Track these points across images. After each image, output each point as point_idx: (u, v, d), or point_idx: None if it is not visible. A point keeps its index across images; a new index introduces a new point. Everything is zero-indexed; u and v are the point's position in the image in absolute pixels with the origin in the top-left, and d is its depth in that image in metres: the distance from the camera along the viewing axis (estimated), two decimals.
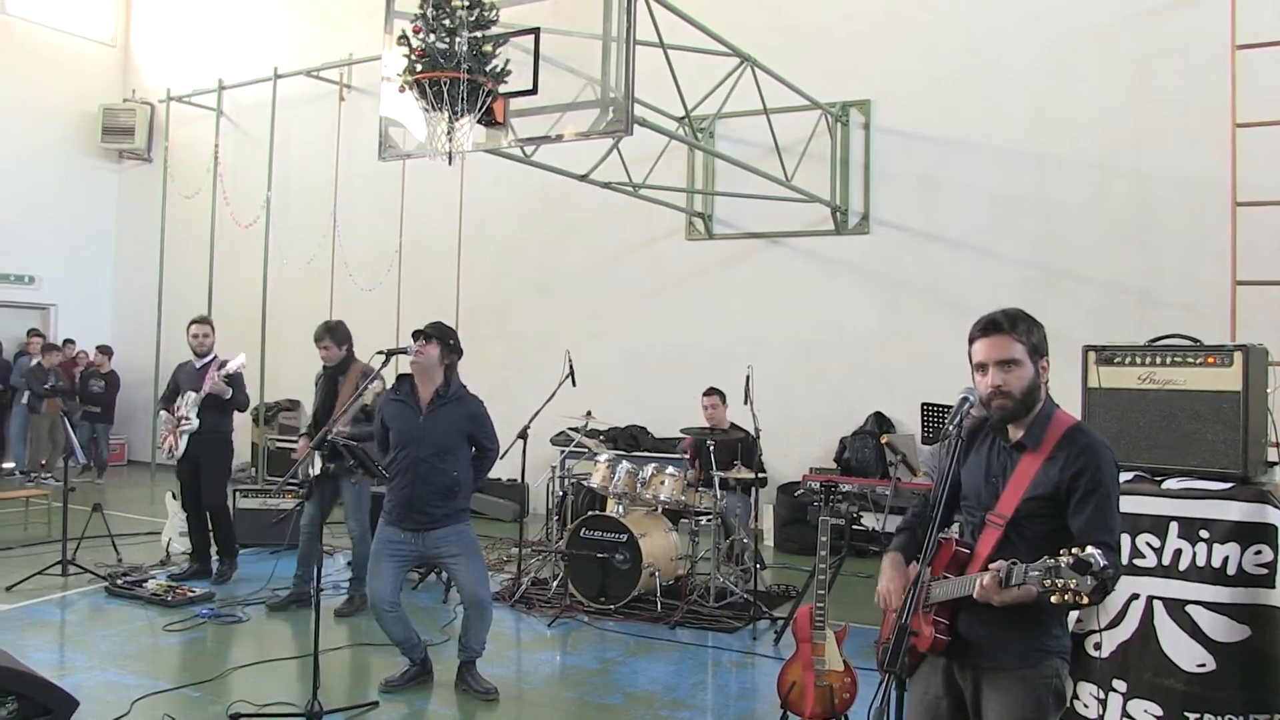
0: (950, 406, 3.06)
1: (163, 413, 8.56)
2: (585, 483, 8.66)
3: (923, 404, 8.11)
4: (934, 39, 10.80)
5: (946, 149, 10.70)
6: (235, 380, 8.43)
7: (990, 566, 2.85)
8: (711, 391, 8.84)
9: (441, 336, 5.82)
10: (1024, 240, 10.26)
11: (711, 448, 7.91)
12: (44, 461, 14.68)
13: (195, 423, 8.30)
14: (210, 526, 8.62)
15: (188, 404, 8.31)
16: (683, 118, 8.82)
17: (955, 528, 3.34)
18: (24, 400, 14.65)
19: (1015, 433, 3.07)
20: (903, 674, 2.89)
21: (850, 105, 11.13)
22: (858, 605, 7.49)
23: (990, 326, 3.02)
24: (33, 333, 15.40)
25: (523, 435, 8.17)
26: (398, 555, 5.84)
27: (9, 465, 15.38)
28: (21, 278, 16.49)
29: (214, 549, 8.68)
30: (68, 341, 15.88)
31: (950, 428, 3.03)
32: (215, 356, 8.54)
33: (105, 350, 15.42)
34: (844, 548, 7.19)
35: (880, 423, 10.69)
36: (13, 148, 16.05)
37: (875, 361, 10.91)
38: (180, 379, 8.56)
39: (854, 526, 8.92)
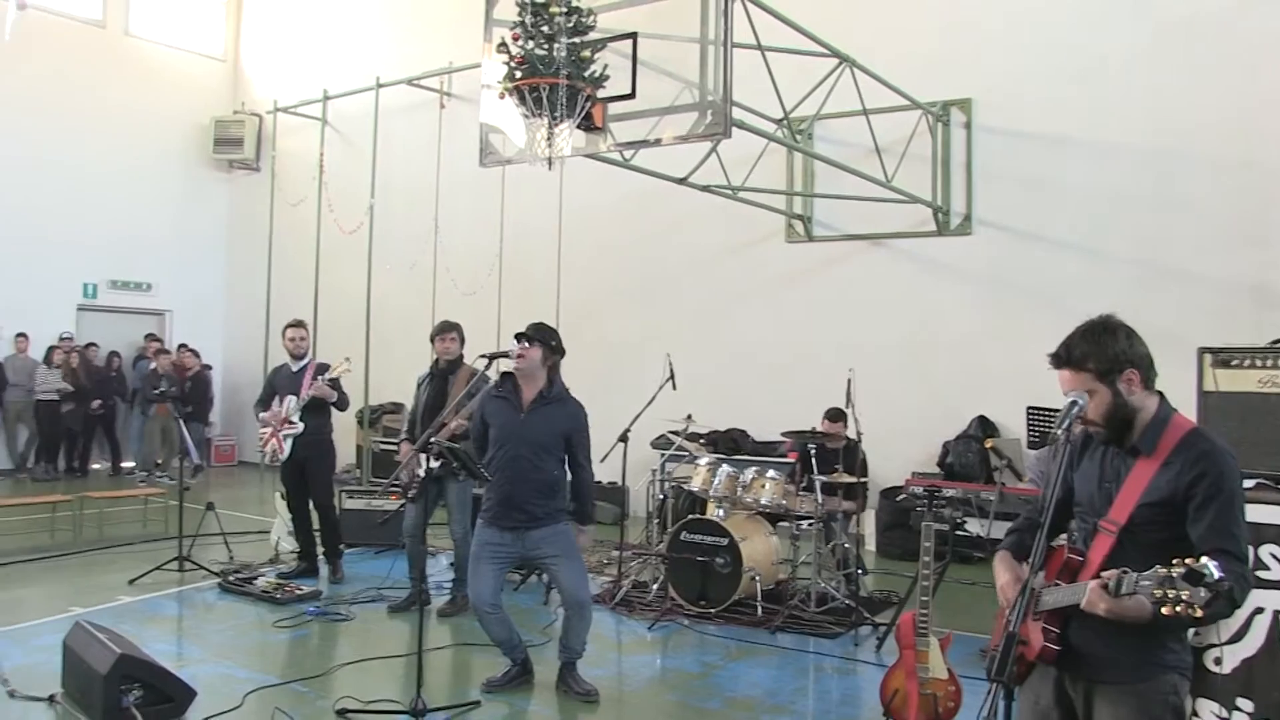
0: (1058, 410, 2.98)
1: (262, 415, 8.70)
2: (686, 486, 8.66)
3: (1028, 408, 7.95)
4: (1037, 33, 10.56)
5: (1051, 146, 10.46)
6: (335, 382, 8.59)
7: (1101, 575, 2.77)
8: (835, 417, 8.71)
9: (543, 339, 5.86)
10: (1133, 238, 9.98)
11: (813, 452, 7.84)
12: (159, 461, 15.18)
13: (300, 426, 8.47)
14: (319, 526, 8.79)
15: (289, 408, 8.46)
16: (781, 119, 8.77)
17: (1065, 535, 3.26)
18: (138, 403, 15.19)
19: (1129, 438, 2.98)
20: (1011, 683, 2.81)
21: (951, 104, 10.95)
22: (961, 612, 7.40)
23: (1054, 361, 3.01)
24: (149, 337, 15.94)
25: (623, 439, 8.20)
26: (498, 557, 5.88)
27: (128, 465, 15.94)
28: (139, 284, 17.16)
29: (320, 549, 8.85)
30: (181, 346, 16.42)
31: (1058, 432, 2.94)
32: (312, 359, 8.72)
33: (191, 351, 15.91)
34: (947, 554, 7.07)
35: (984, 427, 10.49)
36: (132, 160, 16.74)
37: (978, 364, 10.70)
38: (277, 382, 8.73)
39: (957, 532, 8.75)
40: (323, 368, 8.65)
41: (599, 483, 11.70)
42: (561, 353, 5.98)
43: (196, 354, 15.90)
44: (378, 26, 16.19)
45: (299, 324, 8.87)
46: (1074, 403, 2.93)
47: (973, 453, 10.30)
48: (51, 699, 5.54)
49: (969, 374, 10.77)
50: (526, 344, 5.81)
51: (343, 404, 8.77)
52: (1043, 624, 2.95)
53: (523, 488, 5.77)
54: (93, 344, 16.12)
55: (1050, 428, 4.21)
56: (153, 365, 15.08)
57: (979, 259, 10.85)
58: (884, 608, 7.96)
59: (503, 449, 5.83)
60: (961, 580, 8.34)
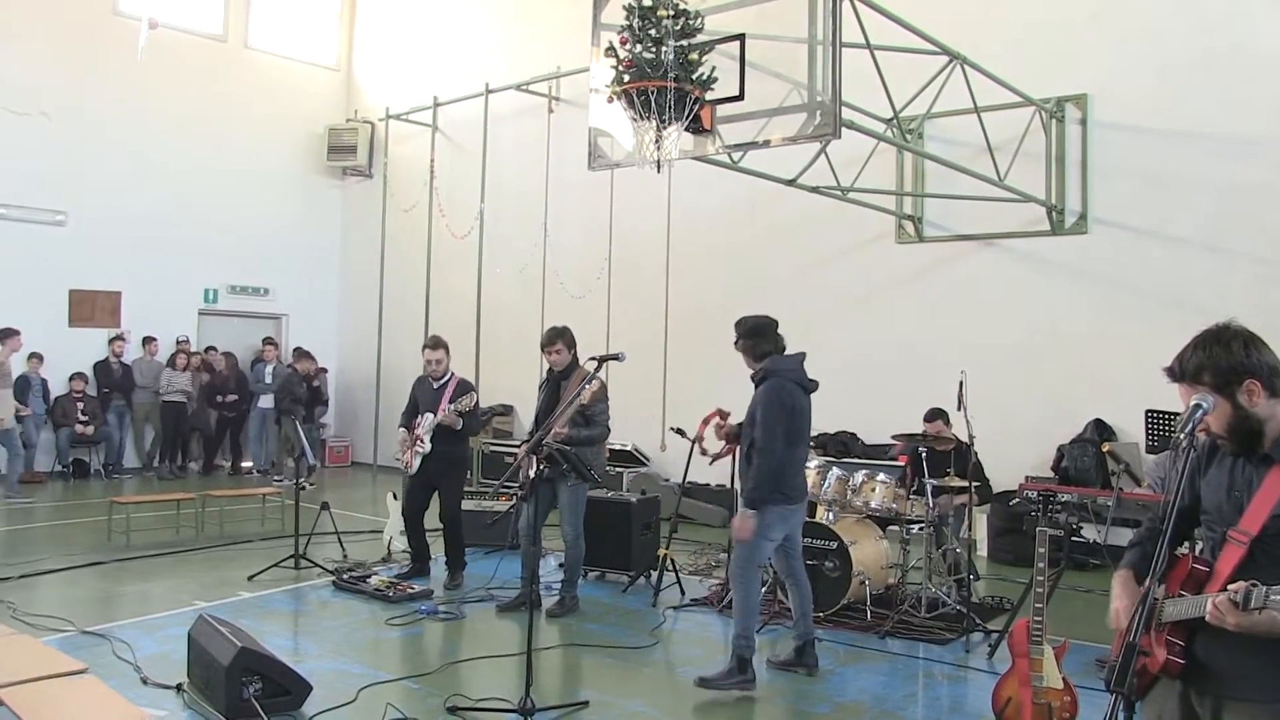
0: (1178, 414, 2.88)
1: (401, 430, 8.76)
2: None
3: (1147, 411, 7.74)
4: (1160, 23, 10.22)
5: (1173, 141, 10.12)
6: (467, 413, 8.58)
7: (1229, 587, 2.67)
8: (933, 416, 8.61)
9: (740, 334, 6.47)
10: (1260, 235, 9.60)
11: (924, 455, 7.73)
12: (274, 462, 15.63)
13: (428, 446, 8.51)
14: (446, 539, 8.84)
15: (425, 426, 8.51)
16: (891, 119, 8.68)
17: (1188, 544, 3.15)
18: (261, 405, 15.65)
19: (1260, 446, 2.86)
20: (1132, 695, 2.72)
21: (1066, 100, 10.68)
22: (1077, 620, 7.23)
23: (1169, 375, 2.93)
24: (267, 341, 16.43)
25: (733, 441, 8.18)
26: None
27: (247, 465, 16.45)
28: (257, 289, 17.70)
29: (442, 556, 8.85)
30: (296, 349, 16.88)
31: (1180, 436, 2.83)
32: (452, 375, 8.76)
33: (307, 354, 16.36)
34: (1062, 560, 6.91)
35: (1101, 430, 10.21)
36: (251, 169, 17.30)
37: (1094, 366, 10.41)
38: (419, 397, 8.76)
39: (1073, 538, 8.54)
40: (463, 385, 8.67)
41: (705, 485, 11.74)
42: (754, 335, 6.36)
43: (313, 357, 16.35)
44: (486, 33, 16.43)
45: (436, 345, 8.73)
46: (1198, 406, 2.81)
47: (1089, 457, 10.04)
48: (179, 687, 5.75)
49: (1085, 376, 10.50)
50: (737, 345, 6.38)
51: (474, 429, 8.85)
52: (1166, 636, 2.85)
53: (744, 467, 6.23)
54: (212, 347, 16.71)
55: (1170, 431, 4.08)
56: (290, 366, 15.50)
57: (1095, 258, 10.57)
58: (996, 614, 7.79)
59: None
60: (1077, 587, 8.14)
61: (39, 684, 4.38)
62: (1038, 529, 5.20)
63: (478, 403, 8.82)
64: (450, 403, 8.45)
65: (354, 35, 18.99)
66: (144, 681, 5.88)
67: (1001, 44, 10.47)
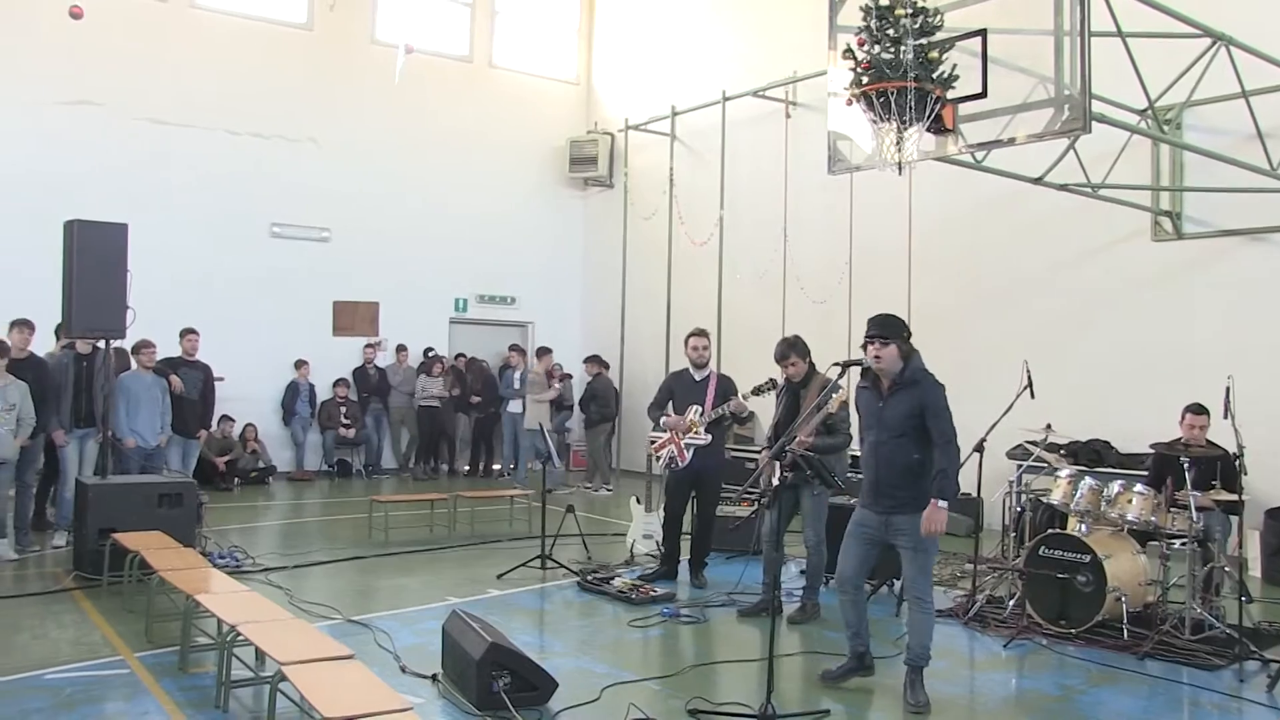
0: None
1: (664, 420, 8.76)
2: (1044, 499, 8.27)
3: None
4: None
5: None
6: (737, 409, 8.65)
7: None
8: (1199, 410, 8.08)
9: (893, 334, 5.88)
10: None
11: (1186, 465, 7.26)
12: (513, 466, 16.18)
13: (707, 438, 8.61)
14: (698, 534, 8.92)
15: (695, 417, 8.55)
16: (1145, 109, 8.20)
17: None
18: (510, 409, 16.27)
19: None
20: None
21: None
22: None
23: None
24: (514, 348, 17.05)
25: (978, 449, 7.92)
26: (864, 539, 6.00)
27: (496, 467, 17.11)
28: (504, 298, 18.44)
29: (686, 556, 8.95)
30: (541, 349, 17.49)
31: None
32: (713, 371, 8.85)
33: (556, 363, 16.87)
34: None
35: None
36: (499, 183, 18.06)
37: None
38: (677, 388, 8.84)
39: None
40: (725, 381, 8.74)
41: None
42: (911, 337, 5.98)
43: (560, 365, 16.91)
44: (723, 41, 16.54)
45: (701, 333, 8.91)
46: None
47: None
48: (434, 678, 6.04)
49: None
50: (880, 344, 5.84)
51: (741, 417, 8.85)
52: None
53: (886, 473, 5.86)
54: (461, 354, 17.50)
55: None
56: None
57: None
58: (1274, 642, 7.21)
59: (868, 436, 5.98)
60: None
61: (315, 665, 4.70)
62: None
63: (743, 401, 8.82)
64: (721, 394, 8.53)
65: (593, 50, 19.51)
66: (402, 670, 6.20)
67: (1272, 21, 9.71)
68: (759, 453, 8.53)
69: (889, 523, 5.87)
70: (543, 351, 16.48)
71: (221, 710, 5.52)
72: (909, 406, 5.82)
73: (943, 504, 5.69)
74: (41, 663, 6.30)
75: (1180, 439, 7.90)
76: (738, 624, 7.70)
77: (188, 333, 11.73)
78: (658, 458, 8.89)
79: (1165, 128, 9.22)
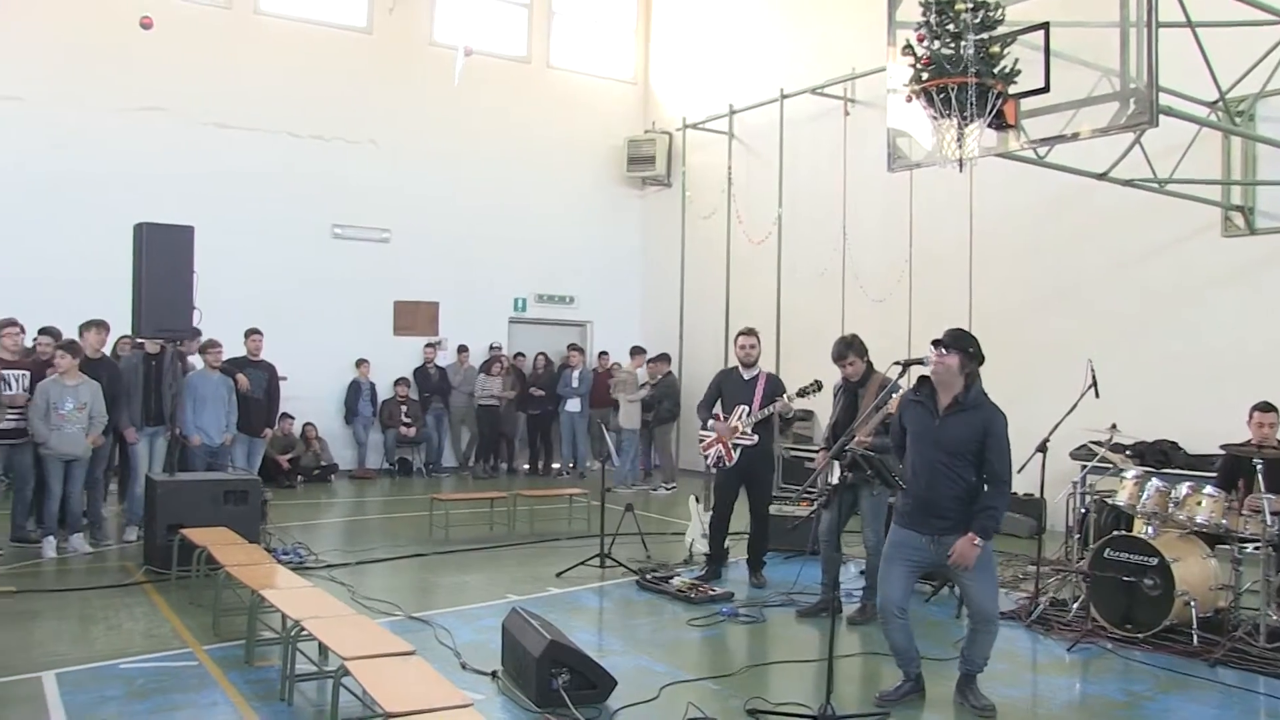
0: None
1: (712, 420, 8.81)
2: (1109, 500, 8.14)
3: None
4: None
5: None
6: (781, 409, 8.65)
7: None
8: (1267, 408, 7.89)
9: (961, 346, 5.69)
10: None
11: (1259, 468, 7.10)
12: (572, 465, 16.24)
13: (754, 438, 8.60)
14: (755, 532, 8.91)
15: (743, 417, 8.56)
16: (1215, 102, 8.06)
17: None
18: (569, 408, 16.36)
19: None
20: None
21: None
22: None
23: None
24: (573, 348, 17.13)
25: (1042, 449, 7.82)
26: (910, 560, 5.80)
27: (555, 465, 17.20)
28: (563, 298, 18.54)
29: (739, 559, 8.93)
30: (602, 354, 17.54)
31: None
32: (761, 370, 8.83)
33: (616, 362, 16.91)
34: None
35: None
36: (557, 183, 18.21)
37: None
38: (725, 387, 8.84)
39: None
40: (774, 381, 8.74)
41: (1014, 494, 11.29)
42: (980, 360, 5.75)
43: (619, 364, 16.97)
44: (780, 39, 16.47)
45: (750, 331, 8.93)
46: None
47: None
48: (494, 674, 6.08)
49: None
50: (944, 351, 5.68)
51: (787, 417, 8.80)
52: None
53: (939, 494, 5.64)
54: (520, 354, 17.60)
55: None
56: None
57: None
58: None
59: (919, 454, 5.74)
60: None
61: (377, 660, 4.75)
62: None
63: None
64: (770, 394, 8.51)
65: (650, 49, 19.54)
66: (463, 666, 6.25)
67: None
68: (817, 452, 8.44)
69: (941, 544, 5.64)
70: (636, 351, 16.52)
71: (286, 703, 5.61)
72: (971, 430, 5.62)
73: (979, 542, 5.54)
74: (115, 653, 6.47)
75: (1250, 440, 7.73)
76: (796, 624, 7.67)
77: (252, 333, 11.98)
78: (705, 457, 8.90)
79: (1237, 120, 9.03)
